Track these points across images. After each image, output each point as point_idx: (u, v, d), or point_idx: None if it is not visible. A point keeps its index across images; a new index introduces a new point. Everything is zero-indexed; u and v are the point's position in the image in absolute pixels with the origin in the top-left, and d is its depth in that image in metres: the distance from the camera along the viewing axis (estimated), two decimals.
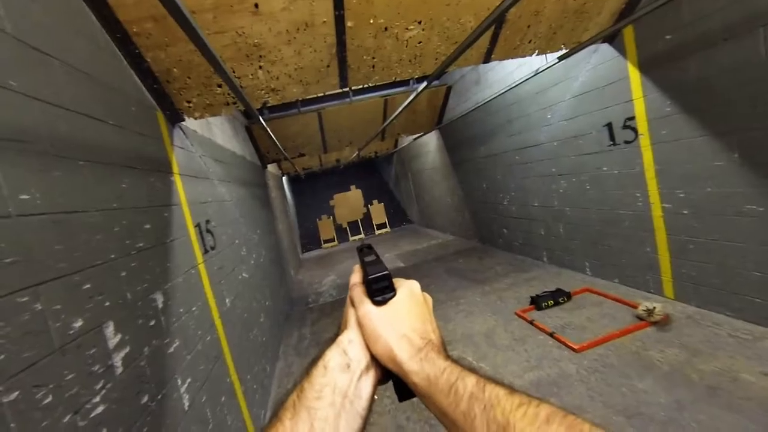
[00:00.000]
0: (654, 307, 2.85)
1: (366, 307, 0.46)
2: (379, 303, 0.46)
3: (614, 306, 3.30)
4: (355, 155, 10.37)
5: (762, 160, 2.34)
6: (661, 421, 1.96)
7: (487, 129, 5.52)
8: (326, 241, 10.74)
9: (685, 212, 2.88)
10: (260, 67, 2.24)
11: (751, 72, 2.27)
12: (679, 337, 2.65)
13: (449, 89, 6.41)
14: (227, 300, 2.42)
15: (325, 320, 4.74)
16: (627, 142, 3.23)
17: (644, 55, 2.93)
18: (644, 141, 3.07)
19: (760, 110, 2.27)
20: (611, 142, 3.39)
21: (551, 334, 3.01)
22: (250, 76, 2.30)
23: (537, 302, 3.57)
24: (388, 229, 10.96)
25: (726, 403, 1.99)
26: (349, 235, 11.01)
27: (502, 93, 4.53)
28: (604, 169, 3.53)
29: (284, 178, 10.76)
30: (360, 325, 0.46)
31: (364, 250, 0.57)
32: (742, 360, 2.28)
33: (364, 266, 0.51)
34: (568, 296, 3.61)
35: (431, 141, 7.90)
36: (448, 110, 6.70)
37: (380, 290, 0.47)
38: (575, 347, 2.74)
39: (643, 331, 2.80)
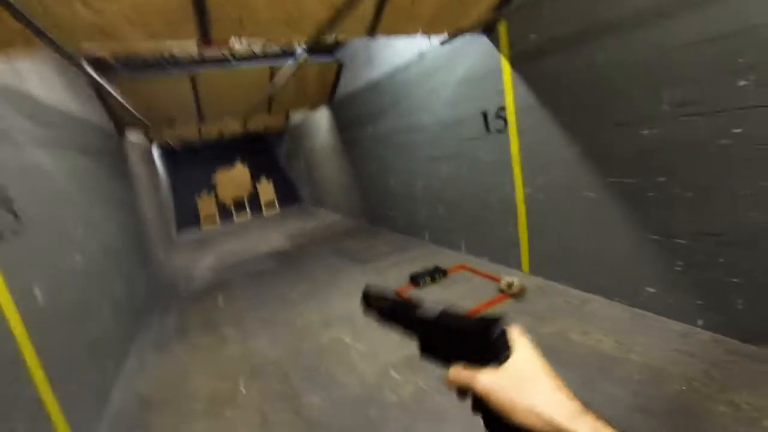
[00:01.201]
0: (513, 281, 3.16)
1: (486, 377, 0.38)
2: (495, 365, 0.38)
3: (483, 281, 3.59)
4: (240, 129, 9.54)
5: (597, 153, 2.70)
6: None
7: (376, 109, 5.49)
8: (207, 221, 9.76)
9: (541, 197, 3.22)
10: None
11: (590, 74, 2.58)
12: (530, 306, 2.98)
13: (341, 66, 6.20)
14: (38, 293, 1.91)
15: (196, 306, 4.26)
16: (499, 131, 3.47)
17: (514, 50, 3.14)
18: (512, 130, 3.33)
19: (596, 110, 2.60)
20: (486, 130, 3.61)
21: None
22: (68, 12, 1.78)
23: (416, 280, 3.70)
24: (277, 209, 10.42)
25: (558, 360, 2.28)
26: (234, 215, 10.17)
27: (390, 73, 4.51)
28: (480, 154, 3.77)
29: (155, 150, 9.37)
30: (486, 400, 0.37)
31: (399, 303, 0.45)
32: (572, 322, 2.65)
33: (448, 317, 0.41)
34: (444, 273, 3.82)
35: (323, 119, 7.64)
36: (340, 88, 6.49)
37: (495, 350, 0.38)
38: None
39: (503, 303, 3.09)
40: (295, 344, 3.03)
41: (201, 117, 6.20)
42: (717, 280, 2.24)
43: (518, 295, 3.15)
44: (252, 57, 5.50)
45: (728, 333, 2.23)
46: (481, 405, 0.38)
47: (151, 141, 8.95)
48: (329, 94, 6.77)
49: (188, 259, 6.75)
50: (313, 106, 7.20)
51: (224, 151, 11.65)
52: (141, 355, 3.25)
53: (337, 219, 7.97)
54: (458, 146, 4.02)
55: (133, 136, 6.80)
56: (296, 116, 9.06)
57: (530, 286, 3.26)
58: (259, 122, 9.53)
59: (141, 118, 4.65)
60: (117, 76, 4.86)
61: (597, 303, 2.83)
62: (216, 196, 10.02)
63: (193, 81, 5.36)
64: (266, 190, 10.36)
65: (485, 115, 3.57)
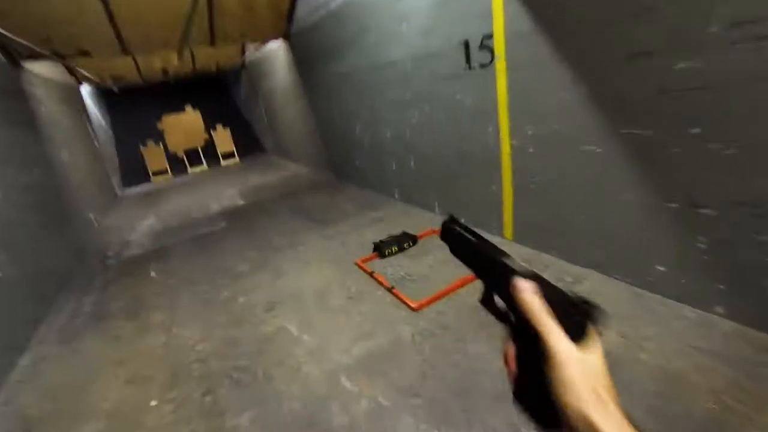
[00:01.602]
0: None
1: (565, 344, 0.35)
2: (579, 339, 0.35)
3: None
4: (186, 67, 8.30)
5: (608, 94, 2.09)
6: (492, 395, 1.70)
7: (337, 42, 4.59)
8: (156, 174, 8.76)
9: (531, 150, 2.63)
10: None
11: None
12: None
13: None
14: None
15: (125, 281, 3.61)
16: (482, 66, 2.77)
17: None
18: (500, 65, 2.64)
19: (611, 37, 1.95)
20: (467, 65, 2.90)
21: (390, 290, 2.62)
22: None
23: (380, 249, 3.15)
24: (236, 159, 9.47)
25: None
26: (188, 167, 9.17)
27: None
28: (458, 96, 3.08)
29: (85, 91, 8.07)
30: (555, 368, 0.35)
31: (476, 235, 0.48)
32: None
33: (542, 284, 0.38)
34: (414, 240, 3.28)
35: (280, 55, 6.58)
36: (297, 18, 5.45)
37: (579, 323, 0.35)
38: (413, 305, 2.38)
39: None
40: (231, 334, 2.48)
41: (124, 46, 5.10)
42: (749, 261, 1.77)
43: None
44: None
45: (756, 324, 1.81)
46: (528, 354, 0.37)
47: (78, 80, 7.65)
48: (285, 24, 5.71)
49: (128, 219, 5.95)
50: (266, 37, 6.12)
51: (174, 94, 10.30)
52: (39, 353, 2.63)
53: (301, 171, 7.21)
54: (432, 86, 3.31)
55: (46, 70, 5.64)
56: (253, 52, 7.87)
57: (513, 257, 2.77)
58: (208, 58, 8.30)
59: (33, 46, 3.62)
60: None
61: (594, 281, 2.37)
62: (165, 147, 8.93)
63: None
64: (223, 138, 9.32)
65: (467, 46, 2.84)
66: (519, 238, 2.97)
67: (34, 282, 3.13)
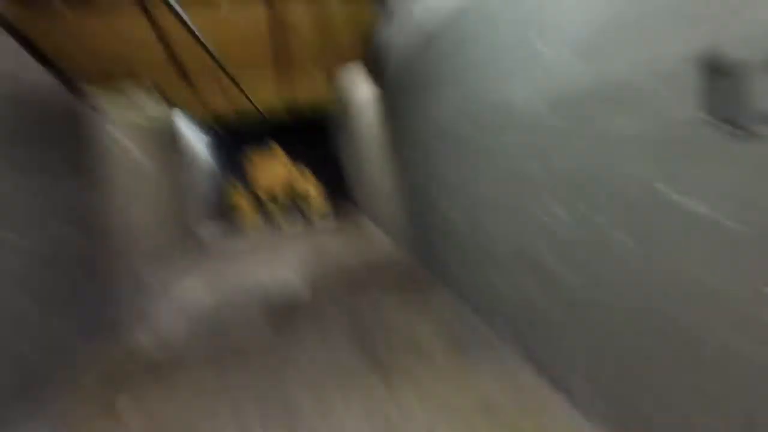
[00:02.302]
0: None
1: None
2: None
3: None
4: (274, 103, 7.80)
5: None
6: None
7: (428, 70, 3.12)
8: (241, 216, 8.33)
9: None
10: None
11: None
12: None
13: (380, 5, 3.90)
14: None
15: (78, 411, 2.48)
16: None
17: None
18: None
19: None
20: (711, 117, 1.07)
21: None
22: None
23: None
24: (323, 208, 8.58)
25: None
26: (274, 217, 8.58)
27: (457, 9, 2.11)
28: (674, 196, 1.24)
29: (191, 131, 8.12)
30: None
31: None
32: None
33: None
34: None
35: (366, 90, 5.43)
36: (382, 40, 4.21)
37: None
38: None
39: None
40: None
41: (185, 74, 4.43)
42: None
43: None
44: None
45: None
46: None
47: (184, 118, 7.66)
48: (366, 49, 4.51)
49: (181, 278, 5.21)
50: (344, 65, 5.00)
51: (280, 134, 10.14)
52: None
53: (382, 244, 5.79)
54: (599, 160, 1.52)
55: (138, 109, 5.39)
56: (345, 86, 6.93)
57: None
58: (301, 92, 7.65)
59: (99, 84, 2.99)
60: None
61: None
62: (251, 190, 8.53)
63: (149, 15, 3.54)
64: (310, 185, 8.56)
65: (716, 69, 1.03)
66: None
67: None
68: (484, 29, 2.18)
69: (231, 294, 4.51)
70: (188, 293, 4.66)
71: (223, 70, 4.10)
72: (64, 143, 3.80)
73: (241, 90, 4.81)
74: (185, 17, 2.88)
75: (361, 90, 5.69)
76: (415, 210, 4.32)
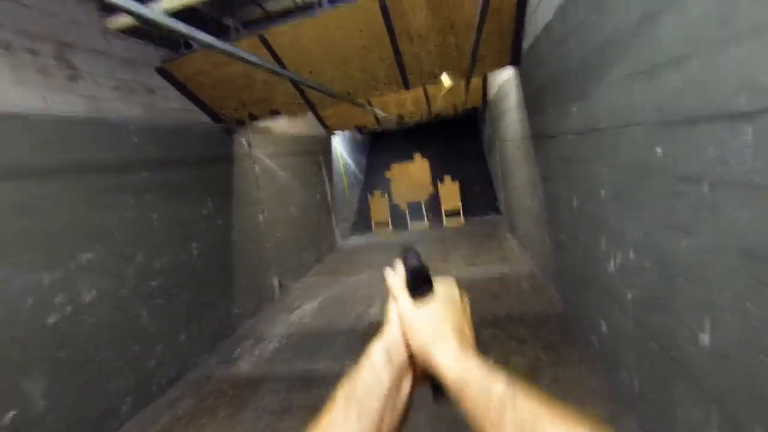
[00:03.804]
0: None
1: (405, 303, 0.48)
2: (417, 298, 0.47)
3: None
4: (418, 110, 7.28)
5: None
6: None
7: (589, 53, 1.98)
8: (378, 225, 8.18)
9: None
10: None
11: None
12: None
13: None
14: None
15: None
16: None
17: None
18: None
19: None
20: None
21: None
22: None
23: None
24: (461, 220, 7.68)
25: None
26: (409, 222, 8.14)
27: None
28: None
29: (338, 138, 8.39)
30: (400, 321, 0.47)
31: (408, 251, 0.54)
32: None
33: (405, 261, 0.52)
34: None
35: (512, 86, 4.32)
36: (528, 33, 3.13)
37: (419, 286, 0.48)
38: None
39: None
40: None
41: (307, 100, 4.26)
42: None
43: None
44: None
45: None
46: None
47: (328, 129, 7.94)
48: (513, 34, 3.45)
49: (307, 291, 5.21)
50: (494, 62, 4.01)
51: (425, 137, 9.72)
52: None
53: (522, 269, 4.60)
54: None
55: (280, 125, 5.72)
56: (495, 78, 5.84)
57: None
58: (444, 99, 6.96)
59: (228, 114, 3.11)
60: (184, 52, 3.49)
61: None
62: (389, 197, 8.25)
63: (267, 44, 3.39)
64: (450, 193, 7.75)
65: None
66: None
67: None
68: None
69: (339, 311, 4.19)
70: (304, 309, 4.56)
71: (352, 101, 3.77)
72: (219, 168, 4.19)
73: (372, 109, 4.43)
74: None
75: (508, 90, 4.61)
76: (559, 240, 3.09)
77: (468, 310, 0.49)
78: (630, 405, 2.03)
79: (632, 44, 1.53)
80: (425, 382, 0.45)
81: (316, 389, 2.79)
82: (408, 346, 0.45)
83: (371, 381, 0.42)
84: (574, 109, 2.29)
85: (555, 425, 0.32)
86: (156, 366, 3.03)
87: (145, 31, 3.19)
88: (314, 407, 2.23)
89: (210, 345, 3.71)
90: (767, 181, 0.96)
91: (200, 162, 3.89)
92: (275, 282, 5.28)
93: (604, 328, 2.30)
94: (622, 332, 2.02)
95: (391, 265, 0.54)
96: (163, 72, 3.55)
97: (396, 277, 0.51)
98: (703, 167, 1.19)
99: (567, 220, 2.84)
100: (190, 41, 2.44)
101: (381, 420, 0.40)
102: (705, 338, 1.28)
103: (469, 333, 0.46)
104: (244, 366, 3.34)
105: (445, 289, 0.49)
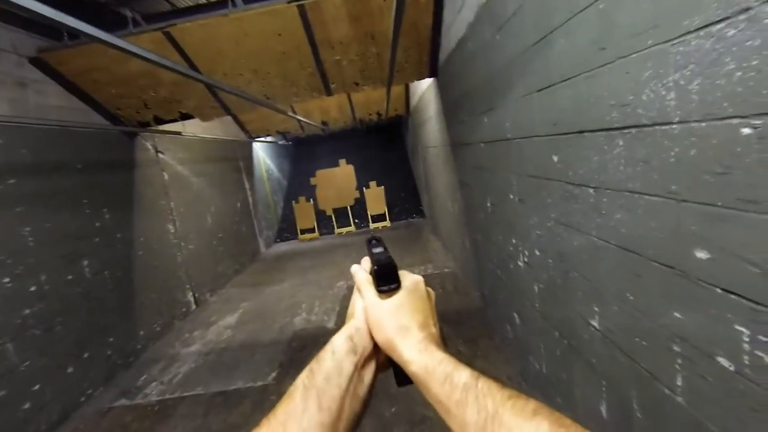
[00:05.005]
0: None
1: (371, 297, 0.48)
2: (384, 293, 0.48)
3: None
4: (342, 116, 7.30)
5: None
6: None
7: (496, 70, 2.15)
8: (304, 231, 8.00)
9: None
10: None
11: None
12: None
13: None
14: None
15: None
16: None
17: None
18: None
19: None
20: None
21: None
22: None
23: None
24: (387, 223, 7.85)
25: None
26: (335, 226, 8.11)
27: None
28: None
29: (259, 144, 8.06)
30: (365, 314, 0.47)
31: (373, 241, 0.56)
32: None
33: (372, 256, 0.52)
34: None
35: (431, 95, 4.54)
36: (445, 31, 3.30)
37: (386, 281, 0.48)
38: None
39: None
40: None
41: (224, 106, 4.03)
42: None
43: None
44: None
45: None
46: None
47: (249, 134, 7.59)
48: (430, 46, 3.62)
49: (224, 306, 4.88)
50: (408, 76, 4.17)
51: (356, 143, 9.73)
52: None
53: (444, 270, 4.84)
54: None
55: (201, 129, 5.30)
56: (417, 88, 6.08)
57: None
58: (370, 106, 7.07)
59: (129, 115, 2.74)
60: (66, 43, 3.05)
61: None
62: (315, 203, 8.14)
63: (172, 40, 3.14)
64: (375, 198, 7.89)
65: None
66: None
67: None
68: None
69: (266, 318, 3.99)
70: (225, 321, 4.27)
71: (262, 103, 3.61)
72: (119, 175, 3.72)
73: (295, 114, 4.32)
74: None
75: (428, 99, 4.82)
76: (476, 240, 3.32)
77: (433, 304, 0.50)
78: (537, 386, 2.23)
79: (531, 64, 1.69)
80: (388, 369, 0.46)
81: (236, 409, 2.62)
82: (372, 337, 0.45)
83: (332, 369, 0.42)
84: (486, 120, 2.47)
85: (515, 409, 0.33)
86: (30, 410, 2.58)
87: (12, 12, 2.75)
88: (236, 427, 2.10)
89: (108, 374, 3.28)
90: (636, 186, 1.12)
91: (92, 168, 3.46)
92: (189, 297, 4.87)
93: (517, 320, 2.51)
94: (532, 323, 2.21)
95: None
96: (39, 63, 3.08)
97: (362, 271, 0.51)
98: (589, 174, 1.36)
99: (483, 222, 3.05)
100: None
101: (341, 408, 0.40)
102: (595, 325, 1.45)
103: (434, 327, 0.47)
104: (152, 393, 3.01)
105: (411, 283, 0.49)
